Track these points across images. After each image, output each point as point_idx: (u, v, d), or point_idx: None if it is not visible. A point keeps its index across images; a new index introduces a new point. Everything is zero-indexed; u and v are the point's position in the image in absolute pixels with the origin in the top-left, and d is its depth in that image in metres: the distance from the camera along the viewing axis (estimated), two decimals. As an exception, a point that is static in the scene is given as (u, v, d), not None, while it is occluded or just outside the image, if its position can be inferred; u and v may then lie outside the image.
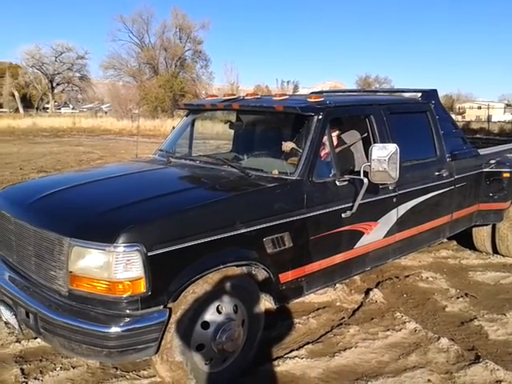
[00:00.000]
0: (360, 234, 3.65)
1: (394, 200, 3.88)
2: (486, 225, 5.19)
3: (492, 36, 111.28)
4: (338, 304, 4.11)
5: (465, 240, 5.56)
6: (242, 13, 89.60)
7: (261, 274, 3.05)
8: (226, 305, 2.85)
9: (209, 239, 2.72)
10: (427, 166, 4.34)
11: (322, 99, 3.64)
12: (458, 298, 4.26)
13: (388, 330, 3.62)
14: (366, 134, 3.93)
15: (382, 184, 3.56)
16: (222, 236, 2.78)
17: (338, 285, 4.32)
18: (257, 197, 3.15)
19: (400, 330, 3.61)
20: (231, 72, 41.29)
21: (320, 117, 3.45)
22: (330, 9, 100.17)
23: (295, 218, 3.15)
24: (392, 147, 3.26)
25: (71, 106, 63.19)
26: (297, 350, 3.34)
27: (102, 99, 59.38)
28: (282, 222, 3.07)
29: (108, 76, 42.70)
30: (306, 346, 3.38)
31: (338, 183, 3.44)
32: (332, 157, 3.51)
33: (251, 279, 3.01)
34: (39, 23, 72.62)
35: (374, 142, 3.72)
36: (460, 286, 4.52)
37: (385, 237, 3.89)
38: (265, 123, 4.21)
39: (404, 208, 4.00)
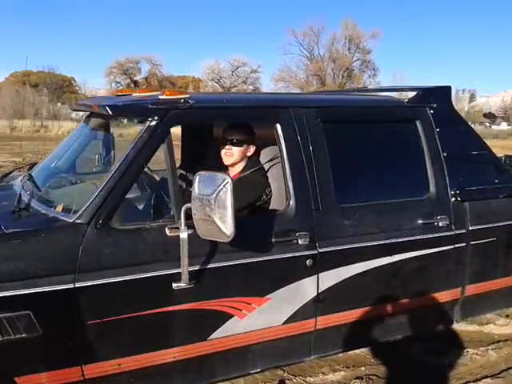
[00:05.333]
0: (224, 317, 2.31)
1: (309, 263, 2.44)
2: None
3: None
4: (522, 338, 3.74)
5: None
6: (411, 20, 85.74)
7: None
8: None
9: None
10: (401, 208, 2.77)
11: (178, 96, 2.34)
12: None
13: None
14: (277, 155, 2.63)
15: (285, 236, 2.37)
16: None
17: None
18: None
19: None
20: (401, 81, 40.14)
21: (154, 122, 2.21)
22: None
23: (49, 289, 1.96)
24: (220, 179, 1.91)
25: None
26: (473, 382, 3.16)
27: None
28: (12, 294, 1.91)
29: (278, 88, 45.13)
30: (483, 380, 3.18)
31: (168, 232, 2.13)
32: (170, 186, 2.24)
33: None
34: (218, 40, 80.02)
35: (284, 168, 2.47)
36: None
37: (290, 322, 2.48)
38: (98, 132, 3.05)
39: (336, 276, 2.53)
